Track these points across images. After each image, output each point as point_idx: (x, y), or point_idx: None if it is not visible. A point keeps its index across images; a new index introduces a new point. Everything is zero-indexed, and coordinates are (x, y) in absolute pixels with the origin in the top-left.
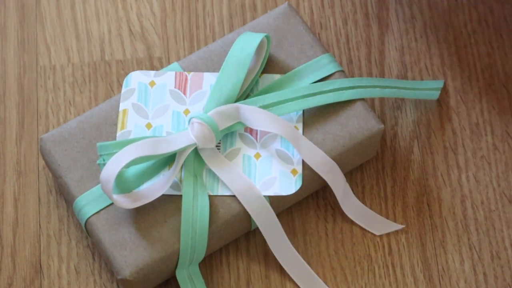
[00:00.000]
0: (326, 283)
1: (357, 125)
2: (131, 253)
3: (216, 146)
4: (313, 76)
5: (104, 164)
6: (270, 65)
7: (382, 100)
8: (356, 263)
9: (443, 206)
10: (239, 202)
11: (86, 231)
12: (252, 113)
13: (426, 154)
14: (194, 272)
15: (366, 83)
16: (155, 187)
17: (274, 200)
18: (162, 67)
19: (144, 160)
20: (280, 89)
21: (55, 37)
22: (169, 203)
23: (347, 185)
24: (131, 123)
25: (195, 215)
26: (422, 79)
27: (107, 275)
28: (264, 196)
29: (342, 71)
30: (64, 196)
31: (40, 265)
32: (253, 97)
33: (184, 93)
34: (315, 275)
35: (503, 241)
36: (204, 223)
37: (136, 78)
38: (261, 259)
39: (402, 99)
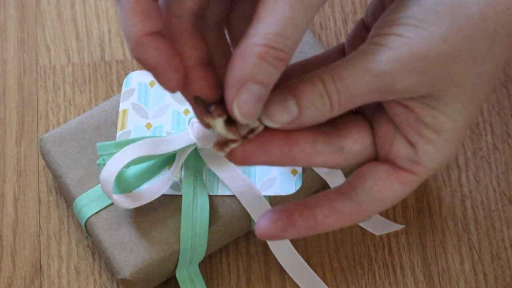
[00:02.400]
0: (326, 283)
1: None
2: (131, 253)
3: None
4: None
5: (104, 164)
6: None
7: None
8: (356, 263)
9: (443, 206)
10: (239, 202)
11: (86, 231)
12: None
13: None
14: (194, 272)
15: None
16: (155, 187)
17: (274, 200)
18: None
19: (144, 160)
20: None
21: (55, 37)
22: (169, 203)
23: None
24: (131, 123)
25: (195, 215)
26: None
27: (107, 275)
28: (264, 196)
29: None
30: (64, 196)
31: (40, 265)
32: None
33: None
34: (315, 275)
35: (503, 241)
36: (204, 223)
37: (136, 78)
38: (261, 259)
39: None
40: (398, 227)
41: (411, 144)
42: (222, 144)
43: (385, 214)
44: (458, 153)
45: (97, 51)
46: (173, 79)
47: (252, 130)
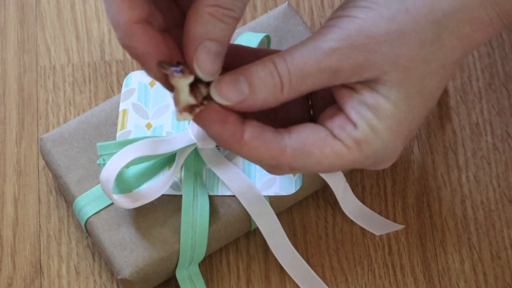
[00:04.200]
0: (326, 283)
1: None
2: (131, 253)
3: (216, 146)
4: None
5: (104, 164)
6: None
7: None
8: (356, 263)
9: (443, 206)
10: (239, 202)
11: (86, 231)
12: None
13: (426, 154)
14: (194, 272)
15: None
16: (155, 187)
17: (274, 200)
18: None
19: (144, 160)
20: None
21: (55, 37)
22: (169, 203)
23: (347, 185)
24: (131, 123)
25: (195, 215)
26: None
27: (107, 275)
28: (264, 196)
29: None
30: (64, 196)
31: (40, 265)
32: None
33: None
34: (315, 275)
35: (503, 241)
36: (204, 223)
37: (136, 78)
38: (261, 259)
39: None
40: (398, 227)
41: (353, 124)
42: (188, 108)
43: (385, 214)
44: (458, 153)
45: (97, 51)
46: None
47: (207, 97)
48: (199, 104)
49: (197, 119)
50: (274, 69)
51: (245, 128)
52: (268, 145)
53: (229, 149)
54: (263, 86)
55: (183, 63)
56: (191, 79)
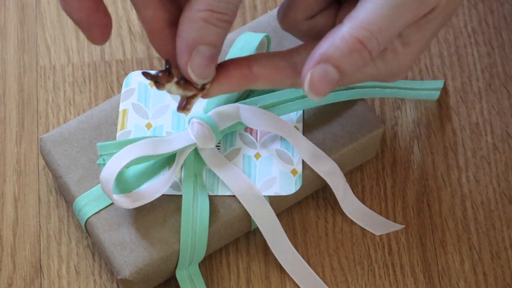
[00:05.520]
0: (326, 283)
1: (357, 125)
2: (131, 253)
3: (216, 146)
4: None
5: (104, 164)
6: None
7: (382, 100)
8: (356, 263)
9: (443, 206)
10: (239, 202)
11: (86, 231)
12: (252, 113)
13: (426, 154)
14: (194, 272)
15: (366, 83)
16: (155, 187)
17: (274, 200)
18: (162, 67)
19: (144, 160)
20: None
21: (55, 37)
22: (169, 203)
23: (347, 185)
24: (131, 123)
25: (195, 215)
26: (422, 79)
27: (107, 275)
28: (264, 196)
29: None
30: (64, 196)
31: (40, 265)
32: (253, 97)
33: None
34: (315, 275)
35: (503, 241)
36: (204, 223)
37: (136, 78)
38: (261, 259)
39: (402, 99)
40: (398, 227)
41: None
42: (185, 105)
43: (385, 214)
44: (458, 153)
45: (97, 51)
46: (95, 35)
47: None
48: (201, 89)
49: (209, 94)
50: (362, 48)
51: (251, 64)
52: (278, 67)
53: (246, 88)
54: (353, 67)
55: (169, 63)
56: (173, 81)
